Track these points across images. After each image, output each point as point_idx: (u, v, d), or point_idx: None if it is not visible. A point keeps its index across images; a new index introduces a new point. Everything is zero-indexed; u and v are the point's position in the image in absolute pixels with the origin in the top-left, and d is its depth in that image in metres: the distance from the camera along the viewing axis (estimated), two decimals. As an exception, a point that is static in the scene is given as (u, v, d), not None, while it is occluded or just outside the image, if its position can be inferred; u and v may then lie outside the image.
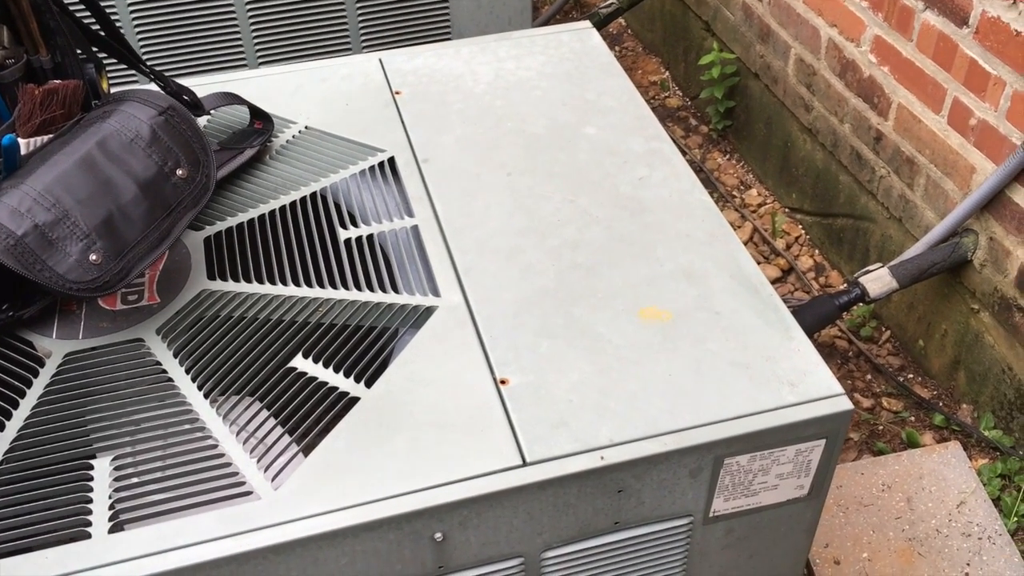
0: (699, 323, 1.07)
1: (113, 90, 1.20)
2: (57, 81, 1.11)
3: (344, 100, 1.41)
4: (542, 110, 1.38)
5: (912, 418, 2.02)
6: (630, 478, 0.95)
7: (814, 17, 2.24)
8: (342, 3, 2.14)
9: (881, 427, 2.01)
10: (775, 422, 0.97)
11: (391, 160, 1.29)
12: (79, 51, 1.17)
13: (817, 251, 2.44)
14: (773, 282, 2.36)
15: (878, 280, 1.91)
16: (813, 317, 1.94)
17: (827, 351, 2.17)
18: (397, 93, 1.42)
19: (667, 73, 3.07)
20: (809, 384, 1.00)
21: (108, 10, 2.01)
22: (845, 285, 2.00)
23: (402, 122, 1.36)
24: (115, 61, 1.25)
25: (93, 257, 0.97)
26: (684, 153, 2.74)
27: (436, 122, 1.36)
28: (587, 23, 1.57)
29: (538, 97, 1.41)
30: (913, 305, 2.11)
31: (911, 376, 2.12)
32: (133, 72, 1.99)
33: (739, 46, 2.61)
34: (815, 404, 0.98)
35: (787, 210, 2.54)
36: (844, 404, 0.99)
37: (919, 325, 2.11)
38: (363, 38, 2.20)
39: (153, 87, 1.24)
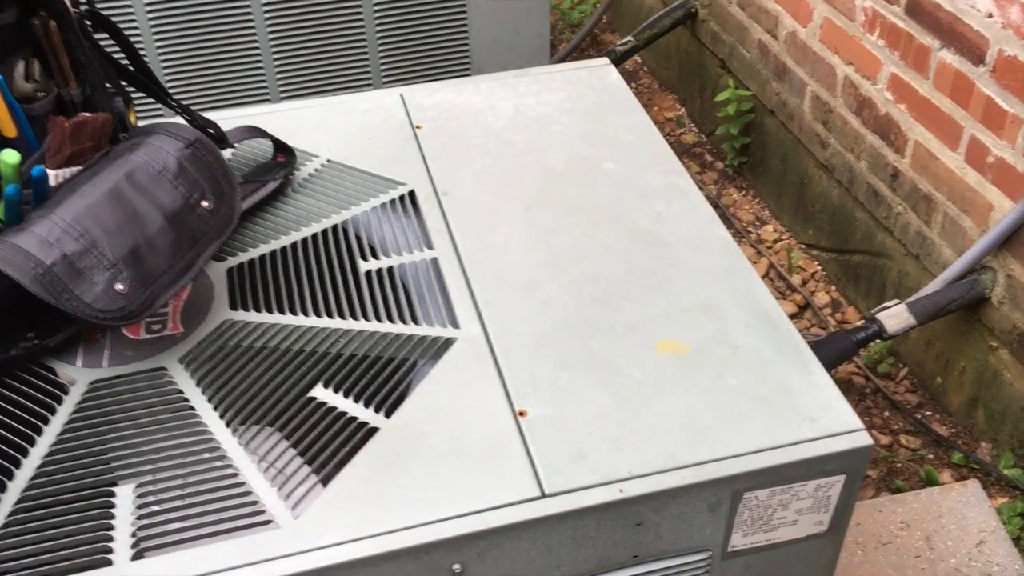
0: (718, 357, 1.07)
1: (140, 123, 1.23)
2: (86, 114, 1.13)
3: (365, 134, 1.42)
4: (561, 145, 1.40)
5: (931, 456, 2.01)
6: (649, 511, 0.95)
7: (830, 55, 2.26)
8: (363, 39, 2.17)
9: (899, 464, 2.00)
10: (794, 456, 0.97)
11: (411, 193, 1.31)
12: (108, 85, 1.19)
13: (834, 287, 2.43)
14: (789, 318, 2.36)
15: (896, 316, 1.91)
16: (830, 353, 1.93)
17: (844, 387, 2.16)
18: (418, 127, 1.43)
19: (683, 110, 3.09)
20: (829, 419, 1.00)
21: (136, 45, 2.05)
22: (862, 321, 1.99)
23: (422, 156, 1.38)
24: (143, 95, 1.28)
25: (119, 286, 0.99)
26: (700, 189, 2.75)
27: (456, 156, 1.37)
28: (605, 60, 1.59)
29: (557, 132, 1.42)
30: (931, 342, 2.10)
31: (929, 413, 2.11)
32: (160, 105, 2.03)
33: (755, 83, 2.63)
34: (835, 439, 0.98)
35: (803, 246, 2.55)
36: (864, 439, 0.98)
37: (937, 362, 2.10)
38: (384, 73, 2.23)
39: (179, 120, 1.26)
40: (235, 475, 0.95)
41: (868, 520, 1.78)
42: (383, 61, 2.21)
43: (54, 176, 1.06)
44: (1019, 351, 1.85)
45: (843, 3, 2.17)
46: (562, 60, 2.92)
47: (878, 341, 2.00)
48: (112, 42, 1.22)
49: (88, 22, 1.17)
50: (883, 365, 2.19)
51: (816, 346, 1.95)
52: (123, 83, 1.23)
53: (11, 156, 0.99)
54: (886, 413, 2.11)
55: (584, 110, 1.47)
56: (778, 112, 2.54)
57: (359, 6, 2.13)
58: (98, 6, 1.78)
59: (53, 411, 1.01)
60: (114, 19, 2.00)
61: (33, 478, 0.95)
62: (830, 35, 2.24)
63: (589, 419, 1.00)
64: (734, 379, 1.04)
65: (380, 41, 2.19)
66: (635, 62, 3.33)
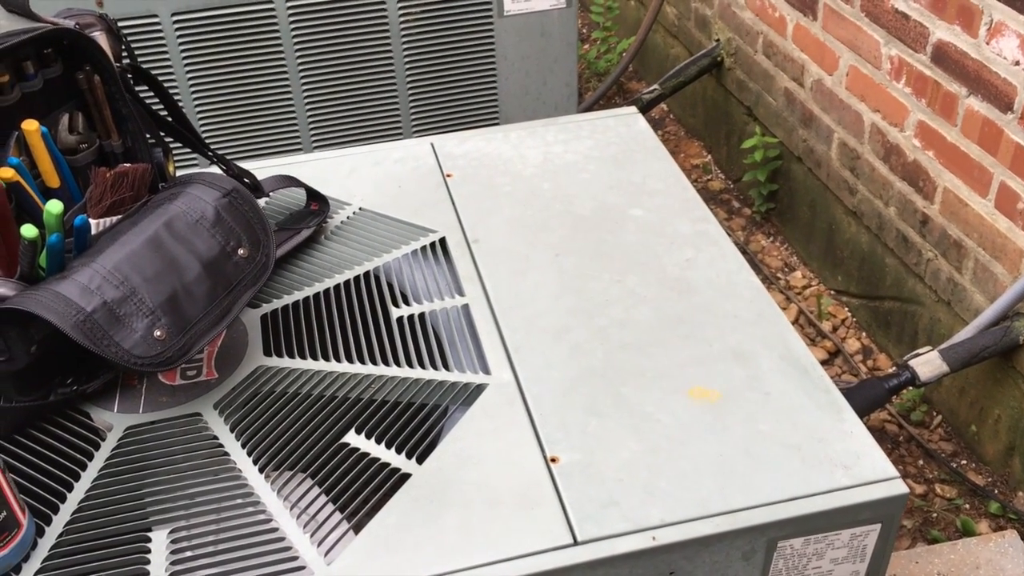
0: (749, 403, 1.07)
1: (178, 173, 1.25)
2: (127, 164, 1.16)
3: (396, 182, 1.45)
4: (590, 192, 1.41)
5: (967, 505, 1.98)
6: (682, 559, 0.94)
7: (857, 103, 2.27)
8: (394, 89, 2.21)
9: (935, 514, 1.96)
10: (829, 505, 0.96)
11: (442, 240, 1.32)
12: (148, 136, 1.22)
13: (864, 334, 2.42)
14: (820, 364, 2.34)
15: (928, 364, 1.89)
16: (862, 400, 1.91)
17: (877, 435, 2.14)
18: (448, 176, 1.46)
19: (709, 156, 3.11)
20: (863, 466, 0.99)
21: (174, 97, 2.10)
22: (894, 368, 1.98)
23: (453, 204, 1.39)
24: (180, 145, 1.31)
25: (157, 333, 1.00)
26: (728, 235, 2.75)
27: (486, 203, 1.39)
28: (633, 108, 1.61)
29: (585, 179, 1.44)
30: (964, 389, 2.08)
31: (964, 462, 2.07)
32: (197, 156, 2.07)
33: (781, 130, 2.64)
34: (870, 487, 0.97)
35: (832, 292, 2.54)
36: (900, 488, 0.97)
37: (971, 410, 2.07)
38: (414, 123, 2.27)
39: (216, 170, 1.29)
40: (268, 521, 0.96)
41: (904, 571, 1.75)
42: (413, 110, 2.25)
43: (96, 225, 1.09)
44: (1055, 398, 1.82)
45: (869, 51, 2.18)
46: (589, 108, 2.96)
47: (911, 388, 1.98)
48: (152, 95, 1.26)
49: (130, 76, 1.21)
50: (916, 413, 2.17)
51: (848, 393, 1.94)
52: (162, 134, 1.27)
53: (55, 206, 1.02)
54: (920, 462, 2.08)
55: (612, 158, 1.49)
56: (805, 159, 2.55)
57: (390, 58, 2.17)
58: (139, 60, 1.84)
59: (90, 456, 1.03)
60: (153, 72, 2.06)
61: (69, 523, 0.96)
62: (856, 83, 2.25)
63: (620, 465, 1.00)
64: (766, 426, 1.04)
65: (411, 91, 2.23)
66: (661, 110, 3.36)
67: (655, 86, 2.89)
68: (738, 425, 1.04)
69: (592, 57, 3.51)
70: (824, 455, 1.00)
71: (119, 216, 1.10)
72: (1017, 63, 1.74)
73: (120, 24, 1.95)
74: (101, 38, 1.17)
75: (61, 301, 0.97)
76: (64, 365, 1.08)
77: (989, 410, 2.01)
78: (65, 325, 0.96)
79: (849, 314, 2.47)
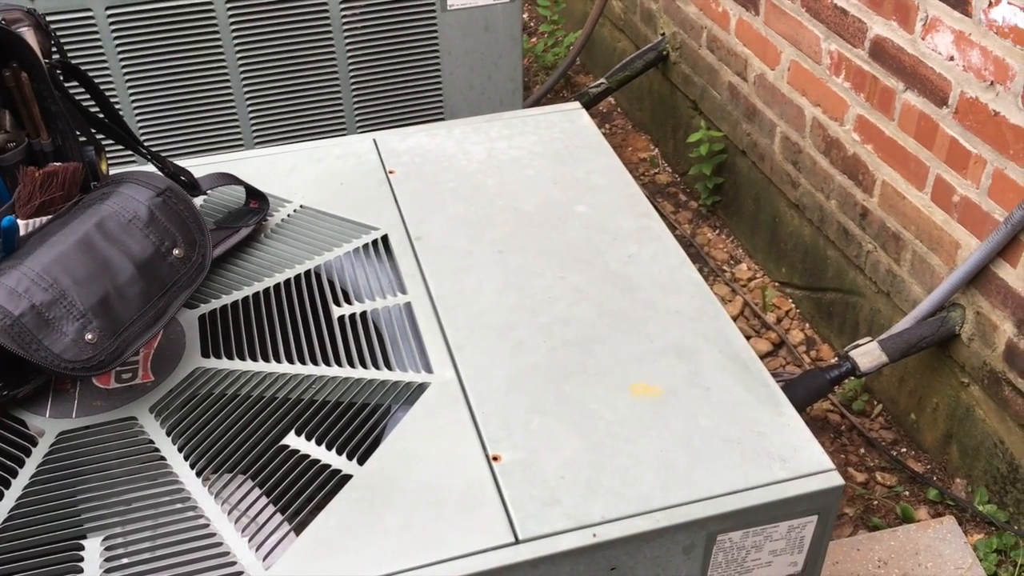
0: (690, 399, 1.07)
1: (112, 171, 1.23)
2: (57, 164, 1.13)
3: (338, 179, 1.43)
4: (533, 188, 1.41)
5: (907, 492, 2.02)
6: (623, 555, 0.95)
7: (798, 97, 2.29)
8: (337, 84, 2.19)
9: (876, 502, 2.00)
10: (767, 498, 0.97)
11: (384, 238, 1.31)
12: (79, 134, 1.19)
13: (807, 325, 2.45)
14: (764, 356, 2.37)
15: (868, 354, 1.92)
16: (805, 391, 1.94)
17: (820, 425, 2.17)
18: (391, 172, 1.44)
19: (656, 150, 3.13)
20: (800, 459, 1.00)
21: (108, 93, 2.05)
22: (836, 359, 2.01)
23: (395, 201, 1.38)
24: (114, 143, 1.28)
25: (89, 336, 0.98)
26: (674, 228, 2.77)
27: (429, 200, 1.38)
28: (577, 104, 1.61)
29: (529, 176, 1.44)
30: (904, 379, 2.12)
31: (904, 450, 2.12)
32: (131, 153, 2.03)
33: (726, 124, 2.66)
34: (806, 480, 0.99)
35: (777, 284, 2.57)
36: (835, 480, 0.99)
37: (911, 399, 2.11)
38: (357, 119, 2.25)
39: (151, 168, 1.27)
40: (206, 526, 0.94)
41: (846, 559, 1.78)
42: (357, 106, 2.23)
43: (24, 226, 1.06)
44: (990, 387, 1.86)
45: (809, 46, 2.21)
46: (536, 102, 2.96)
47: (852, 379, 2.01)
48: (83, 90, 1.23)
49: (60, 72, 1.18)
50: (858, 402, 2.20)
51: (791, 384, 1.97)
52: (94, 132, 1.24)
53: (-20, 207, 0.99)
54: (862, 450, 2.12)
55: (556, 154, 1.49)
56: (749, 152, 2.58)
57: (333, 53, 2.15)
58: (70, 55, 1.79)
59: (21, 463, 1.00)
60: (86, 67, 2.01)
61: (0, 530, 0.93)
62: (798, 77, 2.28)
63: (562, 463, 1.00)
64: (706, 421, 1.05)
65: (354, 86, 2.20)
66: (609, 103, 3.37)
67: (602, 80, 2.90)
68: (679, 421, 1.05)
69: (539, 50, 3.51)
70: (762, 449, 1.02)
71: (49, 217, 1.07)
72: (951, 58, 1.78)
73: (52, 19, 1.90)
74: (28, 34, 1.14)
75: (-13, 305, 0.95)
76: (-7, 370, 1.05)
77: (927, 399, 2.06)
78: (-8, 330, 0.94)
79: (793, 305, 2.51)
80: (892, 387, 2.17)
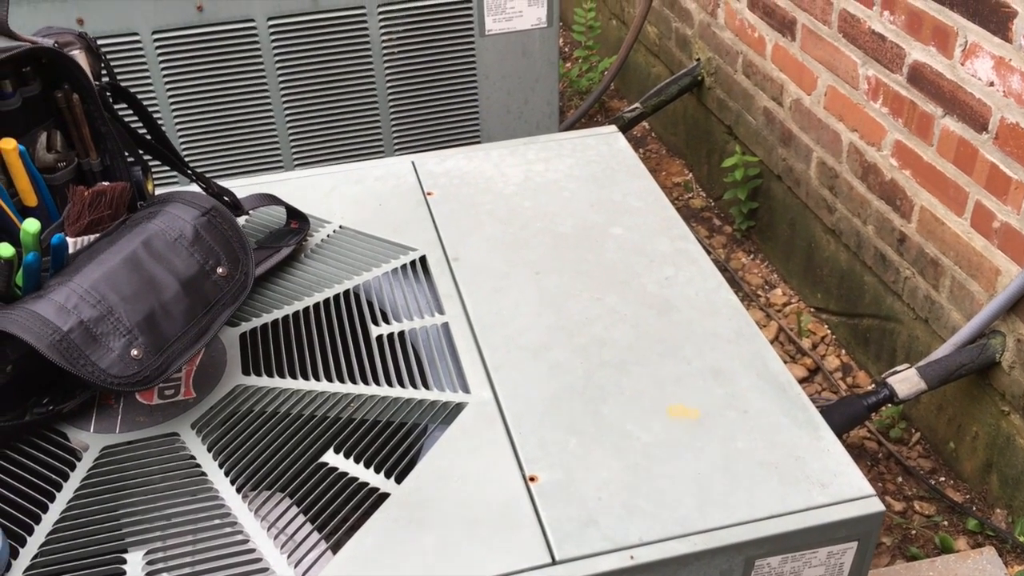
0: (727, 422, 1.07)
1: (158, 191, 1.25)
2: (105, 183, 1.15)
3: (377, 200, 1.45)
4: (570, 210, 1.42)
5: (945, 522, 1.99)
6: (660, 579, 0.94)
7: (835, 122, 2.29)
8: (376, 107, 2.22)
9: (914, 531, 1.97)
10: (806, 523, 0.96)
11: (422, 259, 1.33)
12: (127, 154, 1.22)
13: (843, 351, 2.43)
14: (800, 382, 2.35)
15: (906, 381, 1.90)
16: (841, 417, 1.92)
17: (856, 452, 2.14)
18: (429, 194, 1.46)
19: (690, 175, 3.13)
20: (840, 484, 1.00)
21: (154, 115, 2.09)
22: (873, 386, 1.99)
23: (433, 222, 1.40)
24: (160, 163, 1.30)
25: (134, 352, 1.00)
26: (709, 253, 2.77)
27: (466, 222, 1.39)
28: (613, 127, 1.62)
29: (566, 198, 1.44)
30: (943, 407, 2.09)
31: (943, 479, 2.09)
32: (177, 174, 2.06)
33: (761, 149, 2.66)
34: (846, 505, 0.98)
35: (812, 310, 2.55)
36: (876, 505, 0.98)
37: (949, 427, 2.08)
38: (395, 141, 2.27)
39: (195, 188, 1.29)
40: (245, 541, 0.95)
41: (883, 588, 1.75)
42: (395, 129, 2.26)
43: (73, 244, 1.08)
44: (1032, 415, 1.84)
45: (846, 72, 2.20)
46: (571, 127, 2.97)
47: (889, 406, 1.99)
48: (131, 113, 1.26)
49: (109, 94, 1.21)
50: (895, 430, 2.18)
51: (827, 410, 1.95)
52: (141, 152, 1.26)
53: (32, 225, 1.02)
54: (899, 479, 2.09)
55: (592, 176, 1.49)
56: (785, 177, 2.57)
57: (372, 76, 2.18)
58: (118, 78, 1.83)
59: (66, 477, 1.02)
60: (133, 90, 2.05)
61: (44, 544, 0.95)
62: (834, 103, 2.28)
63: (599, 484, 1.00)
64: (744, 444, 1.04)
65: (392, 109, 2.23)
66: (643, 128, 3.38)
67: (636, 105, 2.91)
68: (716, 443, 1.04)
69: (574, 76, 3.53)
70: (801, 473, 1.01)
71: (97, 235, 1.10)
72: (991, 84, 1.77)
73: (100, 42, 1.95)
74: (80, 56, 1.17)
75: (37, 320, 0.97)
76: (40, 385, 1.07)
77: (967, 427, 2.03)
78: (41, 345, 0.96)
79: (829, 331, 2.49)
80: (931, 415, 2.14)
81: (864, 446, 2.17)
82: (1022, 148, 1.73)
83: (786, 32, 2.42)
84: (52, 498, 1.00)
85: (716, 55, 2.81)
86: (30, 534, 0.96)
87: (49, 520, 0.97)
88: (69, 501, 0.99)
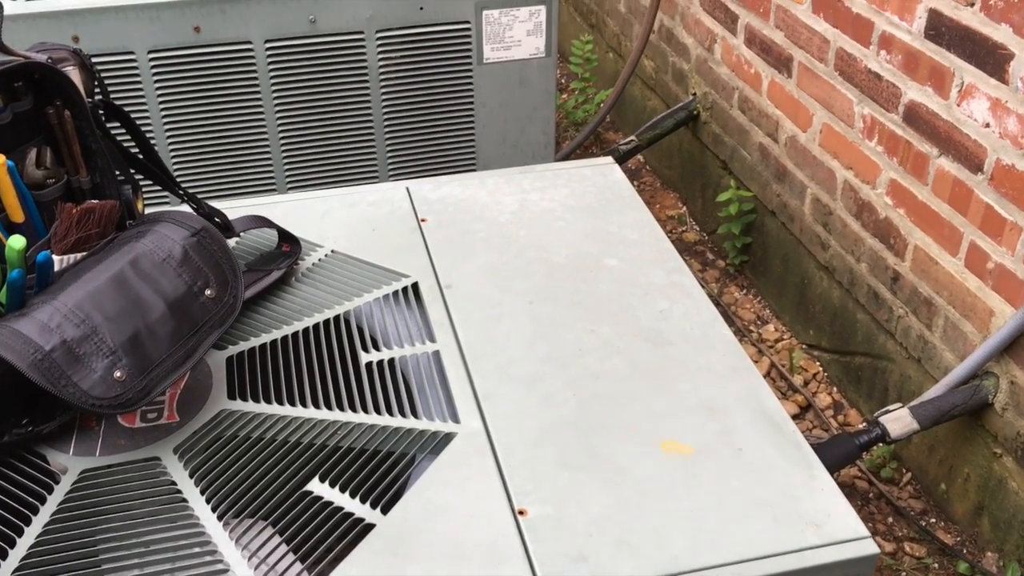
0: (721, 458, 1.05)
1: (147, 211, 1.23)
2: (94, 201, 1.14)
3: (371, 226, 1.43)
4: (565, 240, 1.40)
5: (936, 564, 1.97)
6: (650, 619, 0.92)
7: (829, 159, 2.29)
8: (372, 133, 2.21)
9: (904, 573, 1.95)
10: (799, 564, 0.94)
11: (415, 285, 1.31)
12: (117, 173, 1.20)
13: (835, 389, 2.42)
14: (791, 419, 2.34)
15: (899, 420, 1.89)
16: (833, 456, 1.91)
17: (847, 491, 2.12)
18: (423, 220, 1.45)
19: (684, 208, 3.13)
20: (834, 525, 0.98)
21: (147, 133, 2.08)
22: (865, 424, 1.97)
23: (427, 248, 1.38)
24: (151, 183, 1.29)
25: (117, 374, 0.98)
26: (701, 287, 2.76)
27: (460, 249, 1.38)
28: (609, 159, 1.61)
29: (561, 228, 1.43)
30: (934, 447, 2.08)
31: (934, 520, 2.07)
32: (167, 194, 2.05)
33: (756, 184, 2.66)
34: (840, 547, 0.96)
35: (804, 346, 2.54)
36: (870, 548, 0.96)
37: (941, 468, 2.07)
38: (390, 167, 2.26)
39: (186, 209, 1.27)
40: (225, 571, 0.92)
41: (873, 631, 1.73)
42: (390, 154, 2.25)
43: (59, 261, 1.06)
44: (1023, 459, 1.82)
45: (842, 110, 2.21)
46: (566, 157, 2.97)
47: (881, 445, 1.98)
48: (123, 131, 1.24)
49: (101, 111, 1.19)
50: (886, 470, 2.16)
51: (819, 449, 1.93)
52: (132, 171, 1.25)
53: (17, 241, 1.00)
54: (890, 519, 2.07)
55: (588, 207, 1.48)
56: (779, 213, 2.57)
57: (368, 101, 2.17)
58: (112, 96, 1.82)
59: (43, 500, 0.99)
60: (127, 108, 2.04)
61: (18, 569, 0.92)
62: (829, 140, 2.28)
63: (590, 520, 0.98)
64: (738, 482, 1.02)
65: (388, 135, 2.22)
66: (638, 161, 3.39)
67: (632, 137, 2.91)
68: (710, 480, 1.02)
69: (570, 107, 3.54)
70: (795, 513, 0.99)
71: (84, 253, 1.08)
72: (987, 125, 1.77)
73: (95, 59, 1.94)
74: (73, 73, 1.16)
75: (19, 339, 0.95)
76: (20, 405, 1.05)
77: (958, 469, 2.01)
78: (22, 364, 0.93)
79: (821, 368, 2.47)
80: (922, 455, 2.12)
81: (855, 485, 2.15)
82: (1017, 189, 1.73)
83: (782, 69, 2.42)
84: (28, 521, 0.97)
85: (712, 90, 2.82)
86: (4, 558, 0.93)
87: (24, 544, 0.94)
88: (45, 525, 0.96)
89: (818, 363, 2.48)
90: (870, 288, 2.22)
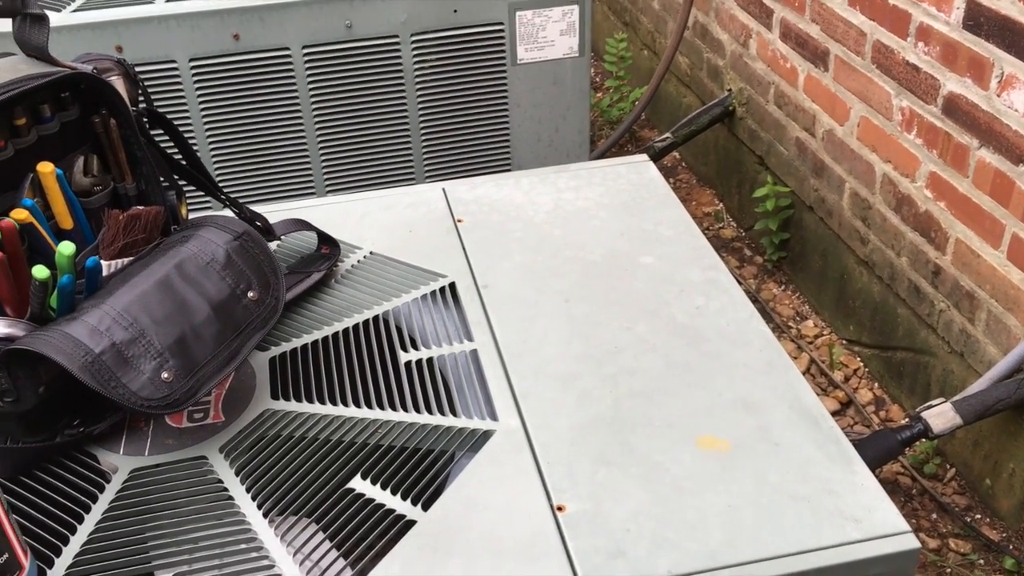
0: (759, 454, 1.05)
1: (191, 216, 1.26)
2: (140, 207, 1.16)
3: (408, 227, 1.45)
4: (600, 239, 1.41)
5: (981, 561, 1.94)
6: (689, 613, 0.93)
7: (868, 153, 2.27)
8: (408, 135, 2.23)
9: (949, 570, 1.93)
10: (839, 559, 0.94)
11: (452, 285, 1.33)
12: (162, 179, 1.23)
13: (876, 384, 2.40)
14: (832, 415, 2.32)
15: (941, 416, 1.87)
16: (874, 452, 1.89)
17: (890, 488, 2.11)
18: (459, 221, 1.46)
19: (721, 205, 3.12)
20: (874, 520, 0.98)
21: (189, 141, 2.12)
22: (907, 420, 1.96)
23: (463, 249, 1.40)
24: (194, 188, 1.32)
25: (165, 375, 1.00)
26: (739, 283, 2.75)
27: (496, 249, 1.39)
28: (644, 156, 1.62)
29: (596, 226, 1.44)
30: (978, 442, 2.05)
31: (979, 516, 2.04)
32: (210, 199, 2.09)
33: (793, 179, 2.65)
34: (880, 541, 0.96)
35: (845, 342, 2.52)
36: (911, 542, 0.96)
37: (985, 463, 2.04)
38: (426, 168, 2.28)
39: (228, 213, 1.30)
40: (271, 567, 0.95)
41: (918, 628, 1.72)
42: (426, 156, 2.27)
43: (107, 267, 1.09)
44: (1071, 453, 1.80)
45: (880, 103, 2.19)
46: (601, 156, 2.97)
47: (924, 440, 1.96)
48: (167, 138, 1.27)
49: (145, 119, 1.22)
50: (929, 465, 2.14)
51: (860, 444, 1.92)
52: (176, 178, 1.28)
53: (67, 248, 1.03)
54: (934, 515, 2.05)
55: (623, 205, 1.49)
56: (817, 208, 2.55)
57: (404, 104, 2.20)
58: (155, 104, 1.86)
59: (94, 498, 1.02)
60: (170, 116, 2.08)
61: (72, 565, 0.95)
62: (868, 133, 2.26)
63: (628, 515, 0.98)
64: (776, 477, 1.03)
65: (424, 137, 2.24)
66: (673, 158, 3.38)
67: (667, 134, 2.91)
68: (747, 476, 1.03)
69: (605, 105, 3.54)
70: (834, 508, 0.99)
71: (131, 258, 1.11)
72: (1028, 115, 1.75)
73: (138, 68, 1.98)
74: (118, 82, 1.19)
75: (70, 342, 0.97)
76: (71, 406, 1.08)
77: (1003, 464, 1.99)
78: (73, 366, 0.96)
79: (861, 364, 2.45)
80: (966, 451, 2.10)
81: (897, 481, 2.13)
82: (1060, 180, 1.70)
83: (819, 63, 2.41)
84: (81, 519, 1.00)
85: (748, 85, 2.81)
86: (58, 555, 0.96)
87: (77, 541, 0.97)
88: (97, 523, 0.99)
89: (859, 359, 2.47)
90: (911, 282, 2.20)
